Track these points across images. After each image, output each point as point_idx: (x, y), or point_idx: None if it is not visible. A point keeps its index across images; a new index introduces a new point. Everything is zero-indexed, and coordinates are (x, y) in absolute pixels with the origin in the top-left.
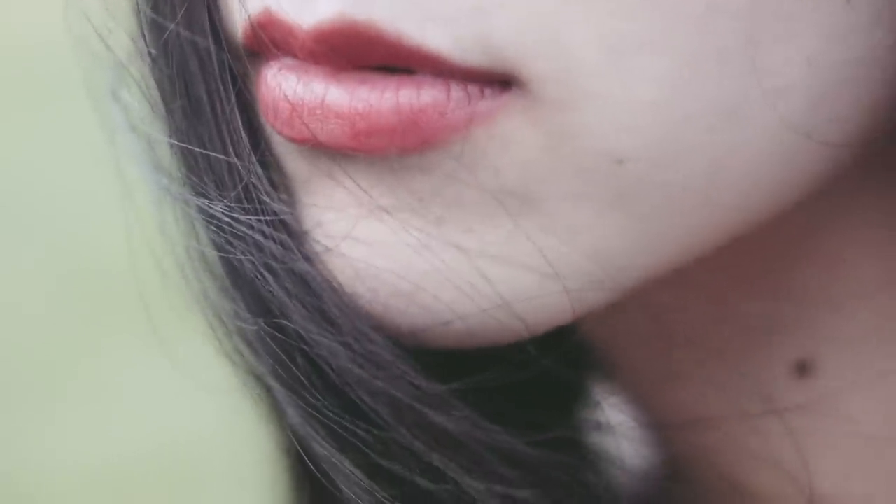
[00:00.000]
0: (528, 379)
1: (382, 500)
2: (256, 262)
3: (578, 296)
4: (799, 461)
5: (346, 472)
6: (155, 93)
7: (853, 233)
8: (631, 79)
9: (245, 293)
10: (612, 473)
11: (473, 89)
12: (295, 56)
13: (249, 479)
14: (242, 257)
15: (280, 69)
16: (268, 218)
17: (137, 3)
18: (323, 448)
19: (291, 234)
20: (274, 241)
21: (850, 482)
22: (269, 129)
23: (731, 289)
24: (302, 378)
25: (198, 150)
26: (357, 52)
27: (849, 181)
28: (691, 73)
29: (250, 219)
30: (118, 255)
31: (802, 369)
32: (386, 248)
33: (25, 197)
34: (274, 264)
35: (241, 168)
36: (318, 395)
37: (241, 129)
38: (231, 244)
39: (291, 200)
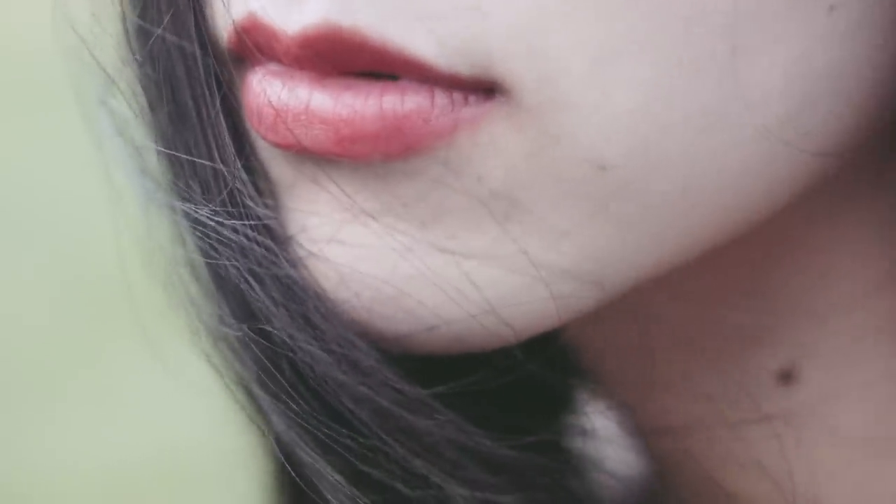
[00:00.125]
0: (513, 384)
1: None
2: (241, 268)
3: (563, 301)
4: (783, 467)
5: (330, 479)
6: (141, 98)
7: (836, 243)
8: (613, 86)
9: (230, 299)
10: (597, 478)
11: (458, 96)
12: (280, 61)
13: (248, 484)
14: (227, 263)
15: (265, 75)
16: (252, 223)
17: (123, 9)
18: (307, 455)
19: (276, 239)
20: (258, 245)
21: (833, 488)
22: (254, 135)
23: (713, 297)
24: (286, 384)
25: (183, 155)
26: (341, 58)
27: (831, 191)
28: (672, 81)
29: (234, 224)
30: (118, 260)
31: (786, 378)
32: (370, 253)
33: (26, 202)
34: (258, 269)
35: (225, 173)
36: (301, 402)
37: (226, 134)
38: (216, 249)
39: (276, 205)
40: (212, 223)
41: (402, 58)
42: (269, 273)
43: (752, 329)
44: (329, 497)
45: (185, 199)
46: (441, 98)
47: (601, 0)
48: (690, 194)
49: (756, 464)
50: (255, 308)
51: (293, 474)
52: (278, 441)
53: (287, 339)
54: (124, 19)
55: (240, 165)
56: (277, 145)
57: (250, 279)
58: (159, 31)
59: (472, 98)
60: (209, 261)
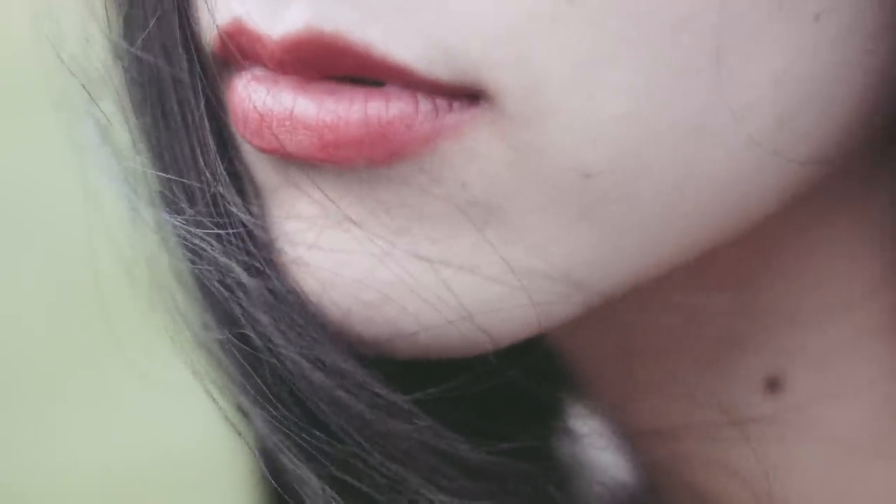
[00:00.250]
0: (495, 389)
1: None
2: (223, 273)
3: (545, 308)
4: (768, 473)
5: (311, 485)
6: (127, 102)
7: (827, 247)
8: (597, 94)
9: (212, 304)
10: (580, 484)
11: (441, 102)
12: (264, 66)
13: (246, 487)
14: (209, 268)
15: (250, 80)
16: (234, 231)
17: (108, 12)
18: (288, 461)
19: (258, 243)
20: (239, 251)
21: (819, 493)
22: (239, 139)
23: (699, 304)
24: (266, 389)
25: (168, 159)
26: (325, 63)
27: (821, 196)
28: (658, 88)
29: (216, 230)
30: (117, 263)
31: (772, 385)
32: (351, 258)
33: (24, 204)
34: (239, 274)
35: (209, 178)
36: (282, 407)
37: (211, 139)
38: (198, 255)
39: (260, 210)
40: (195, 228)
41: (386, 63)
42: (250, 278)
43: (737, 337)
44: (309, 501)
45: (169, 204)
46: (424, 104)
47: (586, 7)
48: (677, 202)
49: (741, 469)
50: (236, 313)
51: (273, 481)
52: (261, 446)
53: (266, 344)
54: (109, 23)
55: (224, 170)
56: (262, 150)
57: (231, 284)
58: (144, 33)
59: (455, 104)
60: (192, 266)
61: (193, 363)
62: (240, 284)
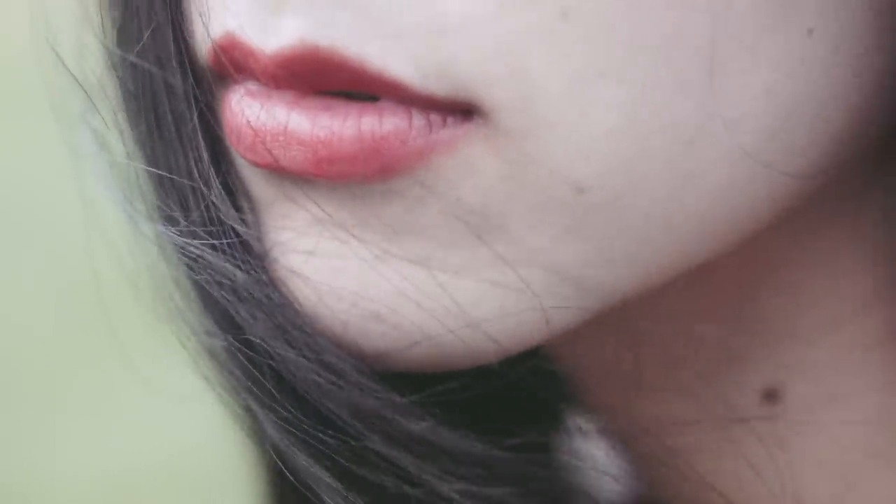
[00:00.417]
0: (496, 389)
1: None
2: (221, 282)
3: (540, 318)
4: (765, 480)
5: (325, 482)
6: (122, 112)
7: (821, 261)
8: (590, 109)
9: (213, 310)
10: (580, 486)
11: (435, 117)
12: (257, 80)
13: (249, 490)
14: (206, 277)
15: (243, 94)
16: (230, 241)
17: (104, 24)
18: (300, 460)
19: (253, 254)
20: (231, 261)
21: (815, 500)
22: (234, 152)
23: (695, 317)
24: (273, 391)
25: (163, 170)
26: (319, 78)
27: (814, 209)
28: (651, 103)
29: (212, 240)
30: (119, 268)
31: (770, 396)
32: (347, 270)
33: (27, 206)
34: (237, 284)
35: (203, 189)
36: (289, 408)
37: (205, 151)
38: (196, 264)
39: (256, 222)
40: (191, 238)
41: (381, 79)
42: (247, 289)
43: (734, 349)
44: (325, 500)
45: (165, 214)
46: (418, 119)
47: (579, 21)
48: (670, 215)
49: (738, 474)
50: (236, 320)
51: (292, 479)
52: (274, 447)
53: (268, 348)
54: (104, 34)
55: (218, 182)
56: (256, 164)
57: (229, 293)
58: (139, 46)
59: (450, 119)
60: (190, 275)
61: (200, 367)
62: (237, 292)
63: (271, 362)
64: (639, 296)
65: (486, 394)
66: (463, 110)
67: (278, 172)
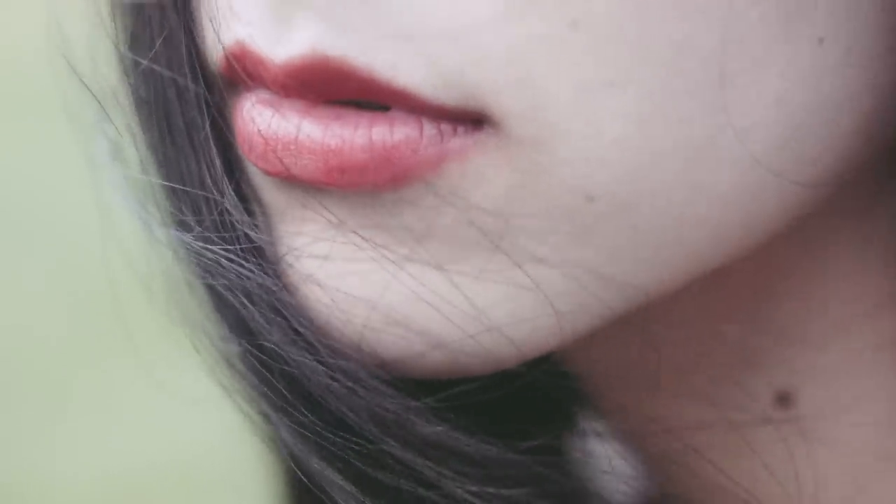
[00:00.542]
0: (511, 392)
1: None
2: (233, 289)
3: (555, 323)
4: (779, 482)
5: (339, 485)
6: (135, 119)
7: (828, 271)
8: (600, 117)
9: (227, 316)
10: (595, 487)
11: (446, 127)
12: (268, 88)
13: (253, 492)
14: (219, 283)
15: (255, 102)
16: (243, 246)
17: (116, 31)
18: (315, 464)
19: (267, 261)
20: (244, 267)
21: (829, 496)
22: (246, 159)
23: (709, 321)
24: (287, 396)
25: (175, 177)
26: (329, 87)
27: (826, 215)
28: (660, 112)
29: (225, 246)
30: (122, 269)
31: (783, 399)
32: (362, 276)
33: (35, 210)
34: (250, 291)
35: (215, 195)
36: (303, 412)
37: (217, 158)
38: (209, 270)
39: (269, 228)
40: (204, 245)
41: (390, 88)
42: (261, 295)
43: (746, 354)
44: (341, 502)
45: (178, 220)
46: (429, 128)
47: (589, 30)
48: (680, 223)
49: (752, 476)
50: (250, 325)
51: (307, 483)
52: (288, 451)
53: (282, 353)
54: (117, 40)
55: (230, 189)
56: (267, 173)
57: (243, 299)
58: (151, 53)
59: (460, 129)
60: (203, 281)
61: (214, 371)
62: (251, 298)
63: (285, 367)
64: (652, 300)
65: (501, 397)
66: (473, 119)
67: (290, 181)
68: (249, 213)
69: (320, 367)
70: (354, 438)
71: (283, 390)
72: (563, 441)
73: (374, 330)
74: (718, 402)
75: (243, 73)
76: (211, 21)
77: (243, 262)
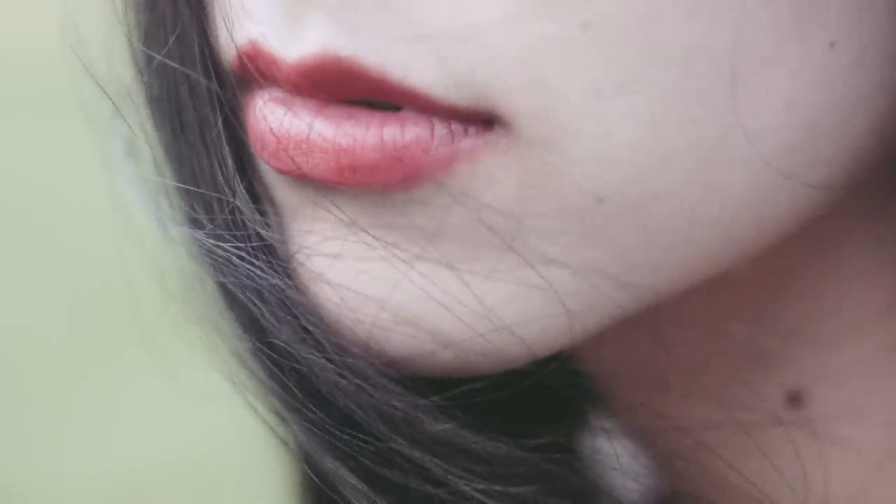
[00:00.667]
0: (521, 389)
1: None
2: (244, 286)
3: (565, 322)
4: (788, 481)
5: (350, 484)
6: (148, 117)
7: (839, 271)
8: (612, 119)
9: (239, 313)
10: (604, 485)
11: (457, 127)
12: (281, 87)
13: (258, 491)
14: (230, 280)
15: (267, 101)
16: (254, 244)
17: (129, 28)
18: (327, 462)
19: (278, 259)
20: (255, 265)
21: (839, 495)
22: (258, 157)
23: (720, 320)
24: (297, 393)
25: (187, 174)
26: (341, 87)
27: (838, 216)
28: (672, 114)
29: (236, 243)
30: (127, 270)
31: (794, 400)
32: (373, 275)
33: (39, 211)
34: (261, 288)
35: (227, 193)
36: (313, 410)
37: (229, 156)
38: (221, 267)
39: (280, 227)
40: (215, 243)
41: (402, 88)
42: (271, 293)
43: (758, 354)
44: (351, 500)
45: (190, 219)
46: (440, 129)
47: (599, 32)
48: (691, 224)
49: (762, 475)
50: (260, 323)
51: (318, 481)
52: (300, 450)
53: (292, 351)
54: (130, 39)
55: (242, 188)
56: (279, 171)
57: (253, 297)
58: (164, 50)
59: (471, 129)
60: (215, 278)
61: (224, 369)
62: (261, 296)
63: (295, 365)
64: (662, 300)
65: (510, 395)
66: (484, 120)
67: (301, 180)
68: (261, 211)
69: (329, 365)
70: (363, 436)
71: (294, 388)
72: (572, 439)
73: (383, 328)
74: (728, 401)
75: (256, 71)
76: (224, 19)
77: (254, 260)
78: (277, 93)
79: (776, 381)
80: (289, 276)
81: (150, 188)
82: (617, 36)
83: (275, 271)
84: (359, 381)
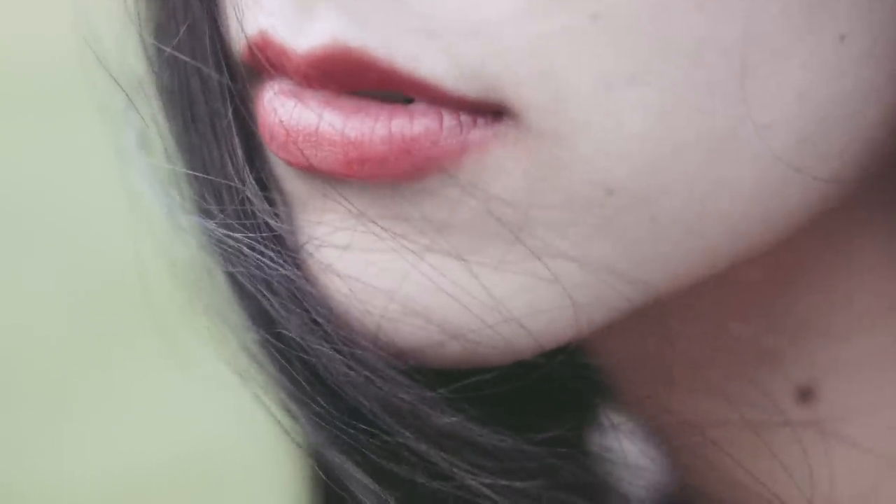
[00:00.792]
0: (529, 383)
1: (391, 502)
2: (254, 276)
3: (572, 314)
4: (797, 478)
5: (357, 478)
6: (159, 108)
7: (854, 261)
8: (621, 111)
9: (247, 305)
10: (613, 480)
11: (466, 118)
12: (291, 78)
13: (263, 490)
14: (240, 271)
15: (276, 93)
16: (263, 234)
17: (140, 20)
18: (334, 455)
19: (286, 250)
20: (264, 255)
21: (846, 499)
22: (268, 149)
23: (729, 317)
24: (305, 386)
25: (198, 165)
26: (350, 78)
27: (848, 210)
28: (682, 105)
29: (246, 234)
30: (130, 265)
31: (805, 395)
32: (382, 266)
33: (43, 209)
34: (270, 279)
35: (237, 184)
36: (321, 402)
37: (239, 147)
38: (230, 258)
39: (289, 218)
40: (225, 233)
41: (411, 79)
42: (281, 284)
43: (768, 349)
44: (358, 494)
45: (200, 209)
46: (449, 120)
47: (609, 24)
48: (701, 217)
49: (771, 472)
50: (269, 313)
51: (324, 476)
52: (307, 443)
53: (301, 342)
54: (141, 30)
55: (252, 178)
56: (289, 163)
57: (262, 287)
58: (175, 41)
59: (480, 120)
60: (224, 268)
61: (232, 362)
62: (270, 285)
63: (304, 356)
64: (669, 294)
65: (517, 388)
66: (493, 111)
67: (310, 172)
68: (270, 201)
69: (337, 356)
70: (370, 429)
71: (301, 380)
72: (580, 435)
73: (392, 320)
74: (735, 397)
75: (266, 62)
76: (234, 10)
77: (264, 250)
78: (287, 84)
79: (785, 376)
80: (298, 267)
81: (162, 179)
82: (627, 27)
83: (284, 262)
84: (367, 373)
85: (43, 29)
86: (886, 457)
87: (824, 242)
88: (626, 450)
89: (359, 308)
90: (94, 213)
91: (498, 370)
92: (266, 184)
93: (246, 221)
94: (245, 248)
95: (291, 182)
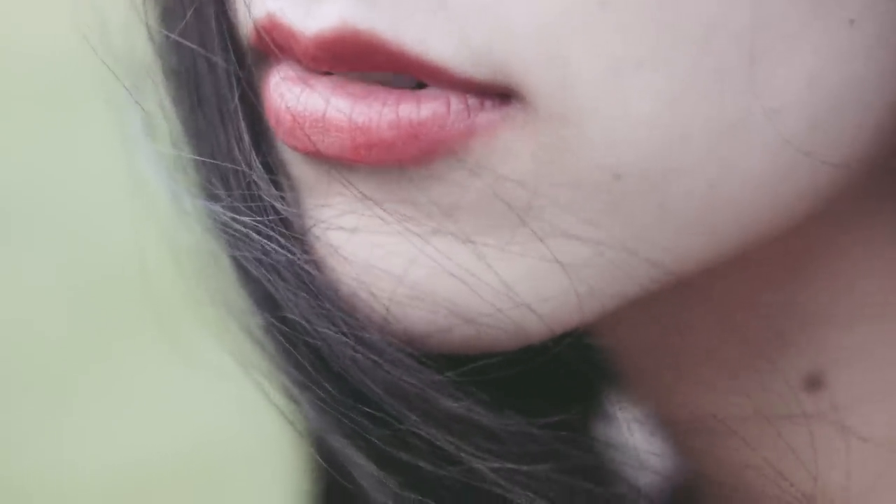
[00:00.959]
0: (534, 368)
1: (394, 488)
2: (260, 260)
3: (578, 300)
4: (805, 466)
5: (361, 465)
6: (165, 92)
7: (859, 250)
8: (630, 95)
9: (253, 289)
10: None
11: (473, 102)
12: (298, 62)
13: (264, 481)
14: (246, 255)
15: (283, 78)
16: (270, 218)
17: (147, 3)
18: (336, 441)
19: (293, 234)
20: (270, 239)
21: (859, 490)
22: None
23: (737, 304)
24: (310, 370)
25: (205, 149)
26: (359, 60)
27: (853, 200)
28: (690, 91)
29: (255, 218)
30: (131, 258)
31: (813, 383)
32: (389, 250)
33: (43, 199)
34: (276, 263)
35: (244, 168)
36: (326, 387)
37: (245, 131)
38: (236, 242)
39: (296, 202)
40: (232, 216)
41: (420, 62)
42: (287, 267)
43: (776, 337)
44: (361, 480)
45: (207, 193)
46: (456, 103)
47: (617, 9)
48: (709, 203)
49: (782, 466)
50: (275, 297)
51: (325, 465)
52: (311, 429)
53: (307, 326)
54: (147, 13)
55: (258, 162)
56: (296, 149)
57: (269, 271)
58: (182, 24)
59: (487, 104)
60: (230, 253)
61: (236, 350)
62: (276, 269)
63: (310, 340)
64: (677, 280)
65: (525, 372)
66: (501, 94)
67: (317, 157)
68: (277, 185)
69: (344, 340)
70: (376, 413)
71: (306, 364)
72: (588, 421)
73: (399, 304)
74: (743, 385)
75: (273, 45)
76: None
77: (270, 234)
78: (294, 70)
79: (794, 363)
80: (305, 251)
81: (167, 165)
82: (635, 12)
83: (291, 245)
84: (373, 356)
85: (46, 16)
86: (893, 444)
87: (834, 230)
88: (633, 438)
89: (366, 292)
90: (94, 205)
91: (504, 354)
92: (273, 168)
93: (252, 205)
94: (252, 231)
95: (298, 167)
